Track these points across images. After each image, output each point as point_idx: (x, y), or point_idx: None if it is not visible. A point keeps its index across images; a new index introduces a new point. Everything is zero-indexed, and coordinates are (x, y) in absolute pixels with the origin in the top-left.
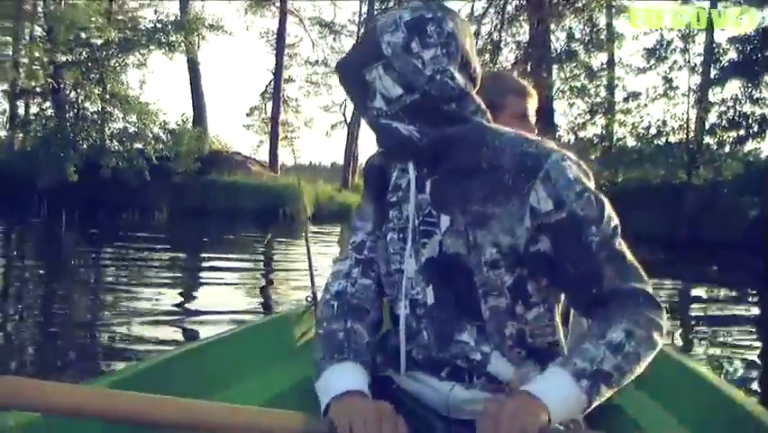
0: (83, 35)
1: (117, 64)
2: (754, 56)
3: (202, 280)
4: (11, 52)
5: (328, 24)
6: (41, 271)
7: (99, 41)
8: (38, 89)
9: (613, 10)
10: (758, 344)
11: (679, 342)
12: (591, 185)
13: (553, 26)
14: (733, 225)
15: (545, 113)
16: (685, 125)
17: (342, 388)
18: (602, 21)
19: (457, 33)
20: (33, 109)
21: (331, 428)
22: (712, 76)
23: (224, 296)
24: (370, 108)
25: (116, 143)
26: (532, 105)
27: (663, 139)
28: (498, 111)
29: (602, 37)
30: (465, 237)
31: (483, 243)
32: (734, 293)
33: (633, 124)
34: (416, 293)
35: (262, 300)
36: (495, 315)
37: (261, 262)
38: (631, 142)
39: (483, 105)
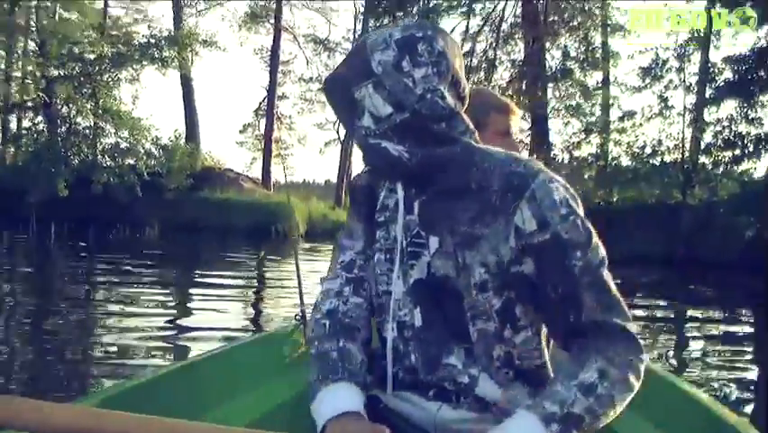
0: (75, 50)
1: (110, 79)
2: (750, 76)
3: (192, 298)
4: (3, 66)
5: (322, 42)
6: (28, 287)
7: (92, 56)
8: (30, 104)
9: (608, 29)
10: (753, 365)
11: (674, 362)
12: (579, 210)
13: (548, 44)
14: (729, 245)
15: (540, 131)
16: (680, 145)
17: (338, 409)
18: (597, 39)
19: (447, 52)
20: (25, 123)
21: None
22: (707, 95)
23: (214, 313)
24: (359, 127)
25: (108, 159)
26: (515, 121)
27: (659, 158)
28: (480, 128)
29: (597, 56)
30: (454, 259)
31: (472, 263)
32: (730, 314)
33: (628, 143)
34: (403, 315)
35: (252, 318)
36: (483, 338)
37: (253, 280)
38: (626, 162)
39: (471, 125)
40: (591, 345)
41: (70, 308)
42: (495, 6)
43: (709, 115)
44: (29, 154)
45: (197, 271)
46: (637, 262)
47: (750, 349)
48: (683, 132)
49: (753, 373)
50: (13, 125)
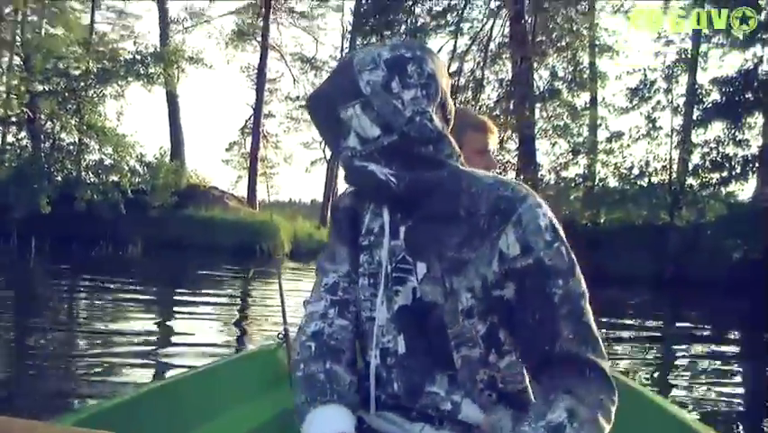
0: (60, 65)
1: (95, 95)
2: (737, 97)
3: (175, 316)
4: None
5: (309, 60)
6: (8, 304)
7: (77, 72)
8: (13, 119)
9: (596, 49)
10: (741, 387)
11: (661, 382)
12: (563, 238)
13: (536, 64)
14: (716, 266)
15: (527, 152)
16: (668, 166)
17: (329, 432)
18: (585, 60)
19: (437, 74)
20: (9, 139)
21: None
22: (695, 117)
23: (198, 332)
24: (344, 148)
25: (92, 175)
26: (492, 139)
27: (646, 179)
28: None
29: (585, 76)
30: (442, 284)
31: (459, 289)
32: (717, 335)
33: (615, 164)
34: (386, 341)
35: (236, 337)
36: (467, 364)
37: (237, 298)
38: (614, 183)
39: (457, 148)
40: (561, 380)
41: (51, 326)
42: (483, 26)
43: (697, 136)
44: (12, 170)
45: (181, 290)
46: (624, 283)
47: (738, 369)
48: (671, 153)
49: (740, 393)
50: None
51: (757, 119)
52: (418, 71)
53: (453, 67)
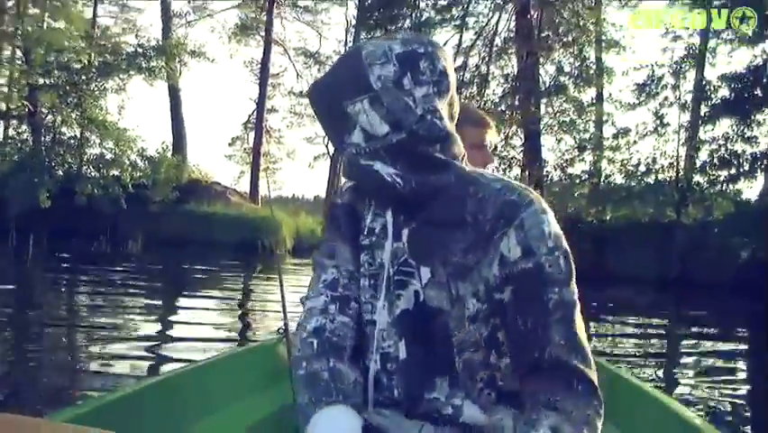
0: (62, 58)
1: (96, 88)
2: (746, 94)
3: (175, 311)
4: None
5: (313, 55)
6: (6, 300)
7: (78, 65)
8: (14, 112)
9: (603, 44)
10: (745, 387)
11: (667, 382)
12: (566, 246)
13: (541, 59)
14: (723, 266)
15: (533, 148)
16: (675, 163)
17: None
18: (592, 55)
19: (448, 72)
20: (9, 132)
21: None
22: (702, 114)
23: (198, 327)
24: (348, 144)
25: (92, 170)
26: (490, 135)
27: (653, 177)
28: None
29: (592, 71)
30: (448, 290)
31: (465, 295)
32: (723, 335)
33: (622, 160)
34: (387, 346)
35: (236, 332)
36: (469, 366)
37: (238, 294)
38: (620, 180)
39: (462, 147)
40: (547, 394)
41: (50, 321)
42: (488, 20)
43: (705, 133)
44: (12, 164)
45: (181, 285)
46: (630, 281)
47: (743, 369)
48: (678, 150)
49: (745, 393)
50: None
51: (766, 116)
52: (431, 68)
53: (458, 62)
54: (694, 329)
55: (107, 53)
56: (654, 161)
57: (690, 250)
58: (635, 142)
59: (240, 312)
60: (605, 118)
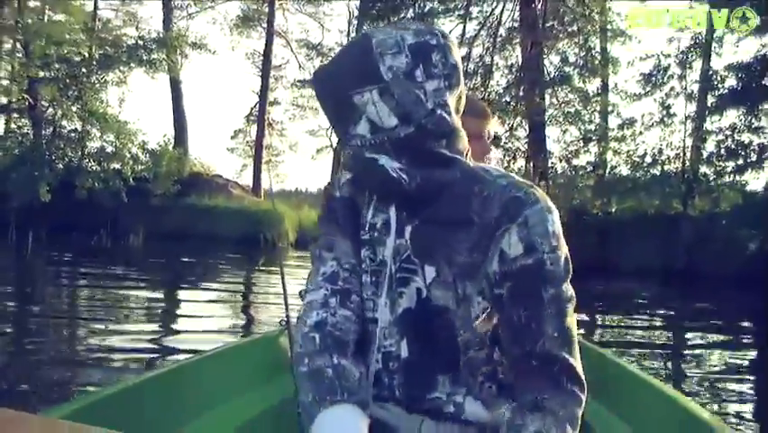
0: (62, 51)
1: (97, 81)
2: (753, 84)
3: (176, 305)
4: None
5: (315, 47)
6: (6, 294)
7: (78, 58)
8: (14, 105)
9: (608, 34)
10: (751, 379)
11: (673, 375)
12: (566, 248)
13: (546, 50)
14: (730, 258)
15: (537, 139)
16: (681, 154)
17: None
18: (597, 45)
19: (460, 65)
20: (10, 125)
21: None
22: (709, 104)
23: (199, 320)
24: (352, 135)
25: (93, 163)
26: (490, 125)
27: (659, 168)
28: None
29: (597, 62)
30: (454, 290)
31: (472, 294)
32: (729, 329)
33: (627, 152)
34: (389, 345)
35: (238, 325)
36: (471, 364)
37: (240, 287)
38: (625, 171)
39: (466, 141)
40: (535, 392)
41: (51, 315)
42: (492, 10)
43: (711, 123)
44: (13, 157)
45: (182, 279)
46: (636, 273)
47: (749, 362)
48: (684, 141)
49: (751, 386)
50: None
51: None
52: (443, 61)
53: (462, 52)
54: (700, 322)
55: (108, 46)
56: (660, 151)
57: (697, 242)
58: (640, 132)
59: (241, 305)
60: (610, 109)
